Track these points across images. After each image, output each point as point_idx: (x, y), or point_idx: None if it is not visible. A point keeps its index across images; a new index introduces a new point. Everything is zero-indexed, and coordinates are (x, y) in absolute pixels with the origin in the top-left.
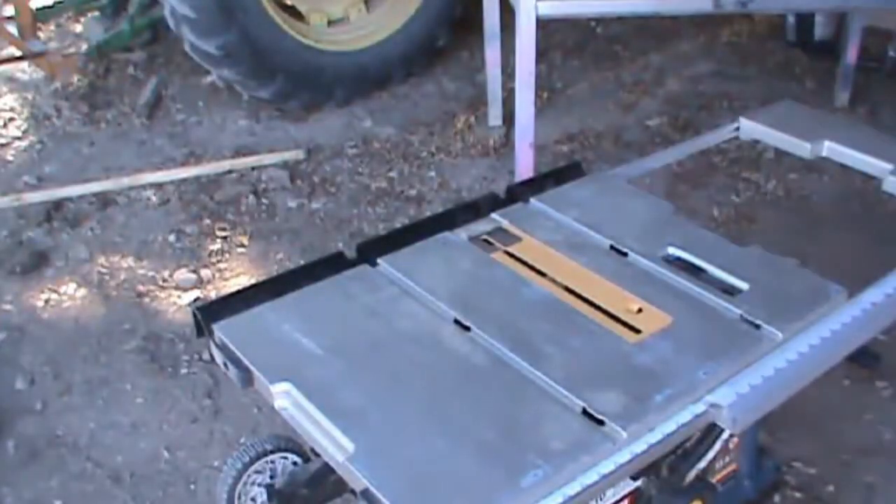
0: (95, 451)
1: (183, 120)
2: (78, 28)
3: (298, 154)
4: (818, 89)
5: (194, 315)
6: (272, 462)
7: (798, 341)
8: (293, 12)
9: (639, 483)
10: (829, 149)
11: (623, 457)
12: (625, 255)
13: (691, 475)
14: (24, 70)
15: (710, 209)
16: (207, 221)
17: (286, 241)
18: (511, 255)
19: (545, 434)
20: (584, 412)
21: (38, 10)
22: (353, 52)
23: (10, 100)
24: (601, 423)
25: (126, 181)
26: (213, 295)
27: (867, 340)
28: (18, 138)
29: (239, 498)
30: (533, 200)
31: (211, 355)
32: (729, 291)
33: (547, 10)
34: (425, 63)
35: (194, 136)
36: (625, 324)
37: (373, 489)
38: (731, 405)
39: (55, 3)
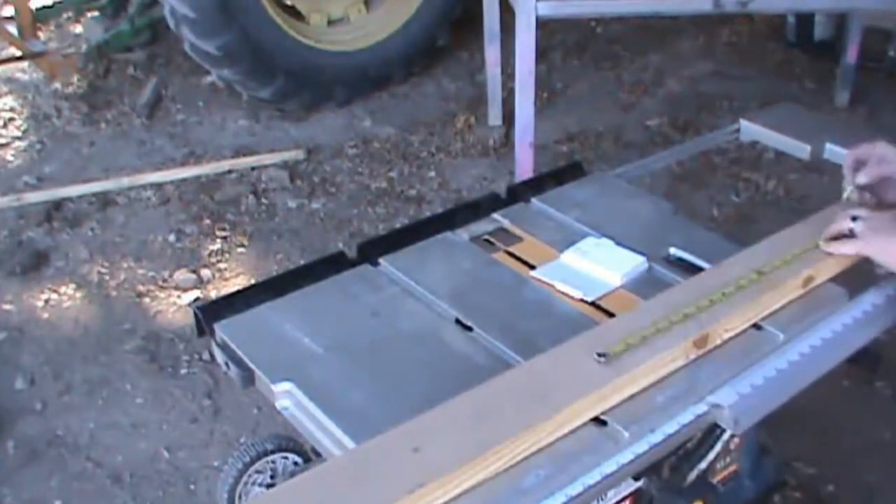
0: (95, 451)
1: (183, 120)
2: (78, 28)
3: (298, 154)
4: (818, 89)
5: (195, 314)
6: (273, 462)
7: (800, 342)
8: (293, 12)
9: (640, 483)
10: (830, 151)
11: (625, 457)
12: None
13: (692, 475)
14: (23, 70)
15: (710, 209)
16: (207, 221)
17: (286, 241)
18: (512, 255)
19: None
20: None
21: (37, 10)
22: (353, 52)
23: (10, 100)
24: (603, 423)
25: (126, 181)
26: (212, 295)
27: (868, 341)
28: (18, 138)
29: (239, 498)
30: (534, 200)
31: (211, 355)
32: None
33: (547, 10)
34: (425, 63)
35: (194, 136)
36: None
37: None
38: (732, 405)
39: (55, 4)
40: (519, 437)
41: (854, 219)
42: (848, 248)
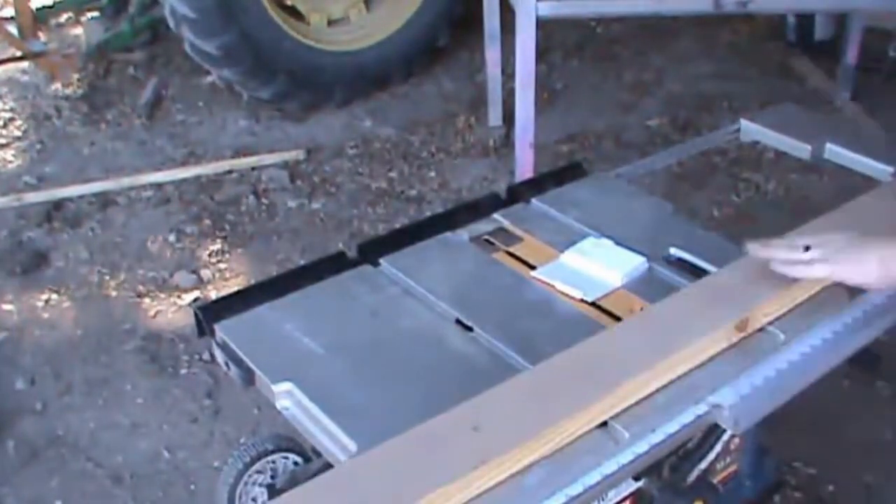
0: (96, 452)
1: (183, 120)
2: (78, 28)
3: (298, 154)
4: (818, 90)
5: (196, 315)
6: (273, 462)
7: (800, 342)
8: (293, 12)
9: (640, 483)
10: (830, 151)
11: (625, 457)
12: None
13: (693, 476)
14: (24, 70)
15: (710, 209)
16: (207, 222)
17: (286, 242)
18: (512, 255)
19: None
20: None
21: (38, 10)
22: (354, 52)
23: (11, 100)
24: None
25: (126, 181)
26: (213, 295)
27: (868, 341)
28: (19, 138)
29: (239, 498)
30: (534, 201)
31: (212, 355)
32: None
33: (547, 10)
34: (425, 63)
35: (194, 136)
36: None
37: None
38: (732, 406)
39: (55, 4)
40: (526, 444)
41: (807, 248)
42: (819, 272)
